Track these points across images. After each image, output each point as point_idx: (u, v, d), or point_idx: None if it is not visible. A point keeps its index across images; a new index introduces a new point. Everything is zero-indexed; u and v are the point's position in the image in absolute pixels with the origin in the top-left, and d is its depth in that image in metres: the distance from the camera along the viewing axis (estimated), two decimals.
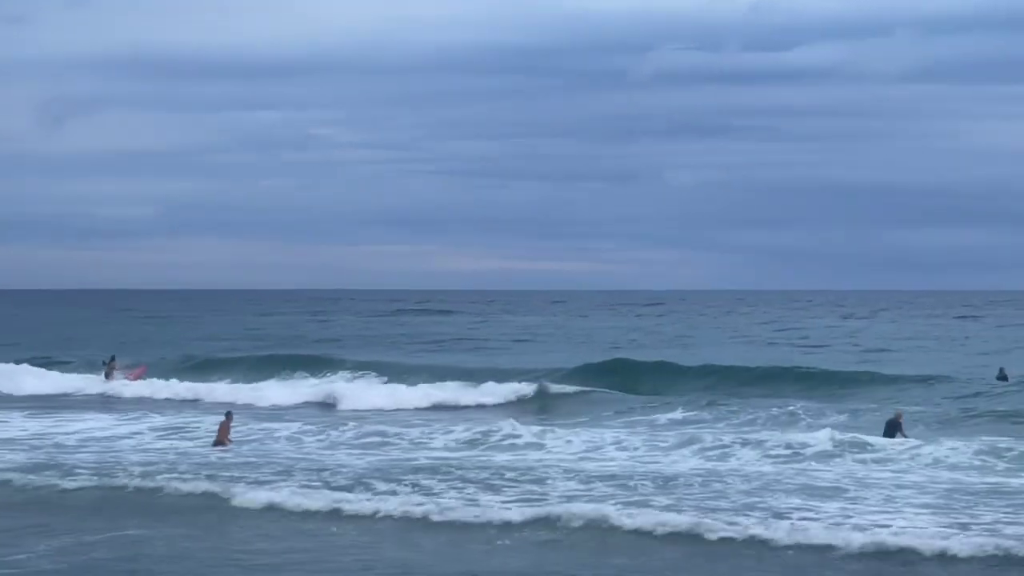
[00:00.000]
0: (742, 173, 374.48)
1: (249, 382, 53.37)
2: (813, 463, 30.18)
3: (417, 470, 28.23)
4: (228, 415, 35.90)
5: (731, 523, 22.06)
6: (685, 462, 30.42)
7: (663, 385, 50.78)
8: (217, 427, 35.20)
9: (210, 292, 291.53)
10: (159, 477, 27.42)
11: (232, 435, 34.69)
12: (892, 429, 34.10)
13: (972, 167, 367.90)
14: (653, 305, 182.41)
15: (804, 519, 22.50)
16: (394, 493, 25.32)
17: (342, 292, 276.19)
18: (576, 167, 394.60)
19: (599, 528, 22.30)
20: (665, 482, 26.72)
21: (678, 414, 40.49)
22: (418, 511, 23.76)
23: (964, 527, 21.95)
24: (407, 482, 26.41)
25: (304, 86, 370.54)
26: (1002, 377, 49.57)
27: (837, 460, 30.62)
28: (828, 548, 20.69)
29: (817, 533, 21.37)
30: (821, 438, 32.69)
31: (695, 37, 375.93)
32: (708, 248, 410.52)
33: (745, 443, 32.82)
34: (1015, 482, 27.10)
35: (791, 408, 40.18)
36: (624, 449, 32.85)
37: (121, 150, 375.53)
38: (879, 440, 33.02)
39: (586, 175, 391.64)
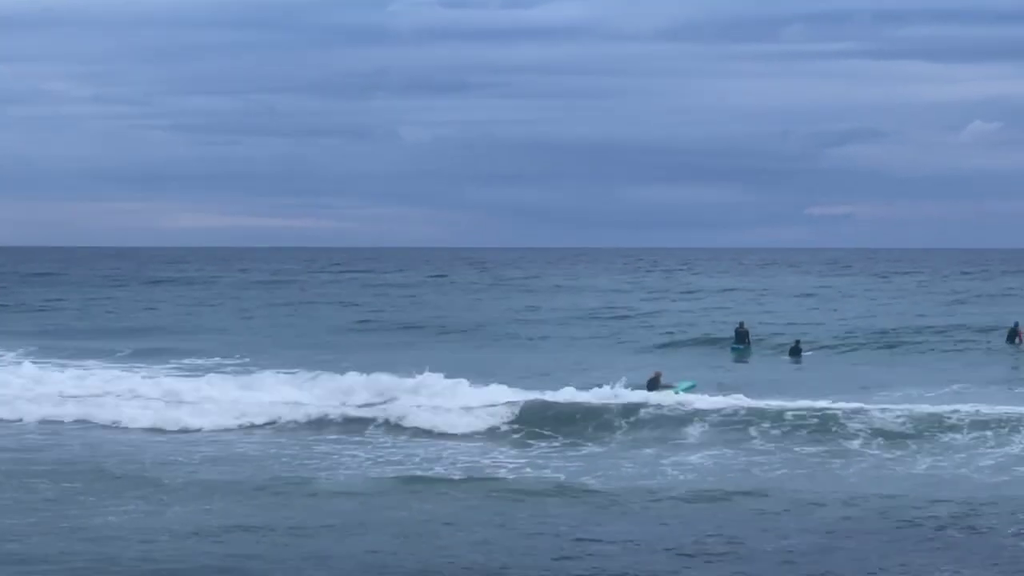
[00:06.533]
0: (482, 130, 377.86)
1: None
2: None
3: None
4: None
5: None
6: None
7: None
8: None
9: None
10: None
11: None
12: (653, 385, 37.94)
13: (712, 125, 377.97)
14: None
15: None
16: None
17: (79, 250, 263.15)
18: (315, 123, 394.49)
19: None
20: None
21: None
22: None
23: None
24: None
25: (36, 39, 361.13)
26: (795, 351, 51.20)
27: None
28: None
29: None
30: None
31: None
32: (449, 206, 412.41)
33: None
34: None
35: None
36: None
37: None
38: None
39: (325, 131, 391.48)
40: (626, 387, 36.75)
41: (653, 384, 38.48)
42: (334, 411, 34.15)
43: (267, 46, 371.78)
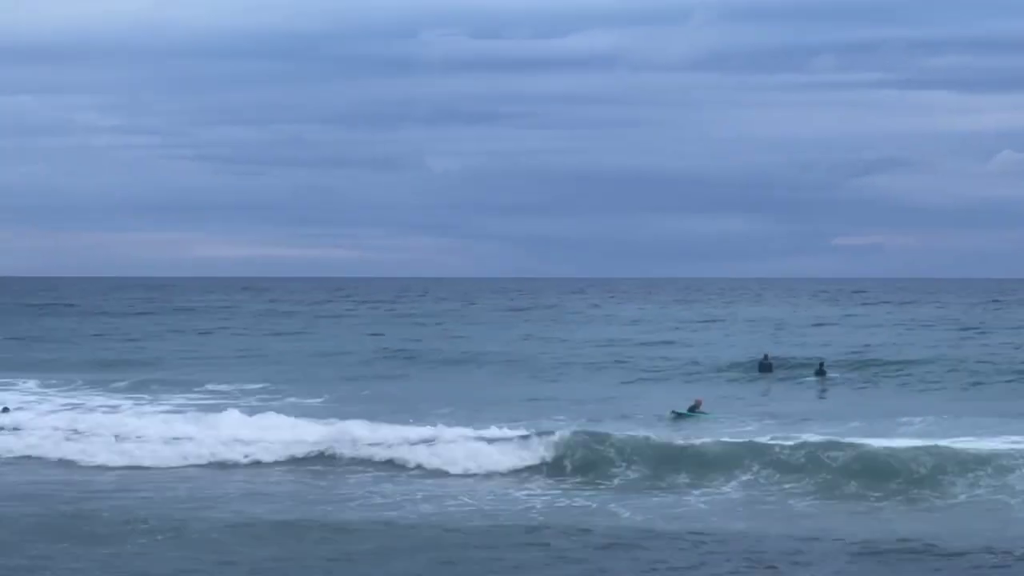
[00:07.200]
0: (511, 160, 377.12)
1: None
2: None
3: None
4: None
5: None
6: None
7: None
8: None
9: None
10: None
11: None
12: (693, 410, 40.08)
13: (739, 155, 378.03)
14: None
15: None
16: None
17: (104, 280, 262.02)
18: (341, 153, 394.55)
19: None
20: None
21: None
22: None
23: None
24: None
25: (62, 70, 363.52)
26: (820, 372, 52.49)
27: None
28: None
29: None
30: None
31: (468, 23, 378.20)
32: (476, 236, 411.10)
33: None
34: None
35: None
36: None
37: None
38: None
39: (352, 161, 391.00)
40: (659, 415, 36.99)
41: (693, 410, 39.99)
42: (363, 447, 33.94)
43: (294, 76, 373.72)
